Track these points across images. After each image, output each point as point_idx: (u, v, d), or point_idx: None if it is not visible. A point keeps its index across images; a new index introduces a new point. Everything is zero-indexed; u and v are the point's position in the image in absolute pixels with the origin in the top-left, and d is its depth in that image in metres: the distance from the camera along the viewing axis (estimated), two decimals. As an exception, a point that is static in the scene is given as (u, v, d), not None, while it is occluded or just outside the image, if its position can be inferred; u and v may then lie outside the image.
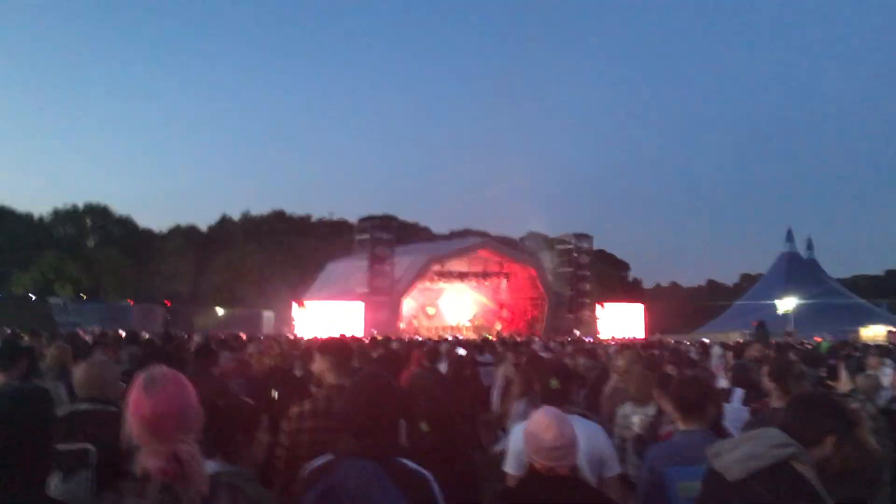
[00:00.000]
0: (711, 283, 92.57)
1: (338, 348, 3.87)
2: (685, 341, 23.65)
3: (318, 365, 3.92)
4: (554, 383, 4.03)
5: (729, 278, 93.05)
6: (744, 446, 2.48)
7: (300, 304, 35.22)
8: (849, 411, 2.84)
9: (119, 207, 74.89)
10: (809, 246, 56.10)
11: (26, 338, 17.54)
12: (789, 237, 55.86)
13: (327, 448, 3.09)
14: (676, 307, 60.04)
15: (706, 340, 25.34)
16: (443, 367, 9.48)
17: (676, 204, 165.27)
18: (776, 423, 3.06)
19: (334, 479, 2.46)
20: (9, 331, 20.84)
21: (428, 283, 39.50)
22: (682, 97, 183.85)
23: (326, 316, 33.16)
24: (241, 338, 16.86)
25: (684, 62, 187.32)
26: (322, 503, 2.44)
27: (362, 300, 34.26)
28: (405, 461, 2.54)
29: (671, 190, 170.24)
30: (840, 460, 2.65)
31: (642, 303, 43.87)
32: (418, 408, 4.17)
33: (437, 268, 38.45)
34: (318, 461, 2.61)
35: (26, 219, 63.16)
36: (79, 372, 3.46)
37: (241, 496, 2.12)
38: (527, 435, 2.90)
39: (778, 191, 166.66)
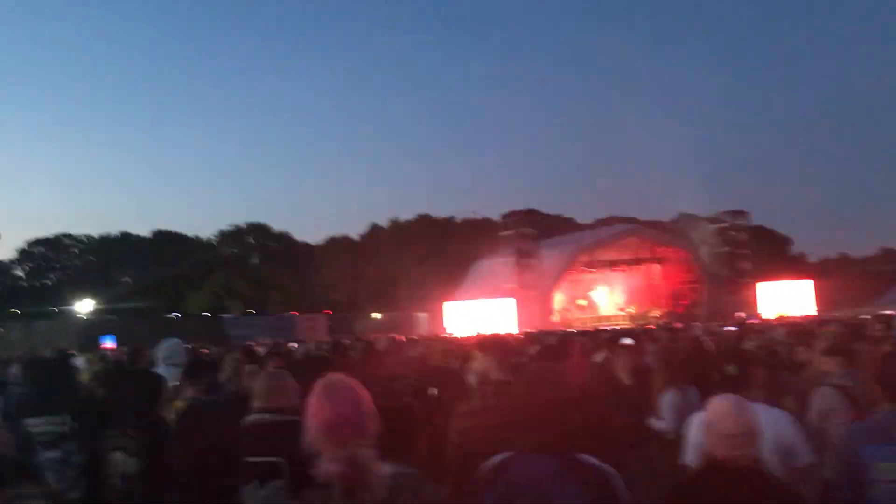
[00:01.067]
0: (885, 250, 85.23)
1: (498, 345, 3.87)
2: (865, 316, 21.94)
3: (480, 363, 3.93)
4: (731, 370, 3.84)
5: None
6: None
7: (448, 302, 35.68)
8: None
9: (277, 224, 79.27)
10: None
11: (206, 351, 18.93)
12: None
13: (503, 445, 3.12)
14: (848, 280, 55.84)
15: (889, 312, 23.39)
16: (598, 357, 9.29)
17: (838, 168, 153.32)
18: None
19: (512, 476, 2.42)
20: (189, 346, 22.57)
21: (577, 275, 39.01)
22: (845, 56, 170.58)
23: (478, 314, 33.47)
24: (397, 339, 17.34)
25: (839, 23, 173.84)
26: (502, 500, 2.41)
27: (512, 296, 34.30)
28: (585, 456, 2.45)
29: (830, 154, 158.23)
30: None
31: (810, 278, 41.10)
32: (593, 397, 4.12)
33: (585, 258, 37.88)
34: (496, 458, 2.58)
35: (195, 242, 68.27)
36: (259, 383, 3.63)
37: (419, 498, 2.14)
38: (705, 423, 2.78)
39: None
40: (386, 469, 2.22)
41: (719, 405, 2.79)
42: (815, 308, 36.49)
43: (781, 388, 6.06)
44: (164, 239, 65.64)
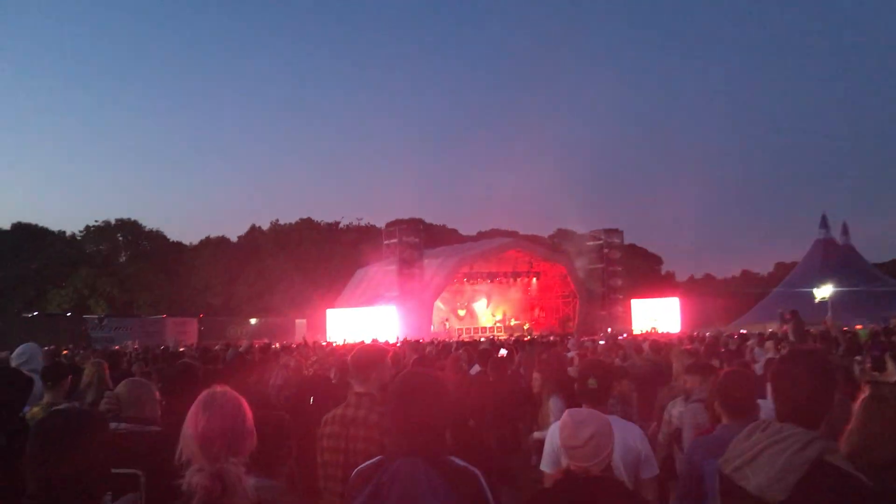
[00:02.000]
0: (746, 272, 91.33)
1: (360, 358, 3.85)
2: (723, 333, 23.35)
3: (348, 374, 3.93)
4: (592, 382, 3.96)
5: (764, 267, 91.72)
6: (767, 457, 2.34)
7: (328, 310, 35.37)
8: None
9: (149, 222, 75.98)
10: (845, 231, 54.91)
11: (66, 352, 17.84)
12: (824, 223, 54.72)
13: (367, 453, 3.09)
14: (711, 299, 59.36)
15: (744, 331, 25.01)
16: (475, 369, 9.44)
17: (707, 195, 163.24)
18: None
19: (382, 478, 2.44)
20: (49, 348, 21.23)
21: (458, 285, 39.55)
22: (710, 86, 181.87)
23: (358, 322, 33.31)
24: (271, 347, 16.96)
25: (711, 49, 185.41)
26: (374, 503, 2.42)
27: (394, 303, 34.34)
28: (454, 458, 2.50)
29: (701, 181, 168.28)
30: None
31: (677, 296, 43.40)
32: (467, 408, 4.16)
33: (466, 269, 38.48)
34: (366, 463, 2.60)
35: (59, 237, 64.27)
36: (120, 392, 3.45)
37: None
38: (560, 433, 2.89)
39: (811, 177, 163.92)
40: (250, 483, 2.17)
41: (567, 418, 2.89)
42: (681, 324, 38.52)
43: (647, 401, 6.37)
44: (25, 232, 61.21)
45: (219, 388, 2.22)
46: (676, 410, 5.36)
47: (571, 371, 8.24)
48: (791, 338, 12.06)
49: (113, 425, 3.19)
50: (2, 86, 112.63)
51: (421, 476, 2.39)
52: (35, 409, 4.95)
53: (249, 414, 2.22)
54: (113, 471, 2.98)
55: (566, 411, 3.03)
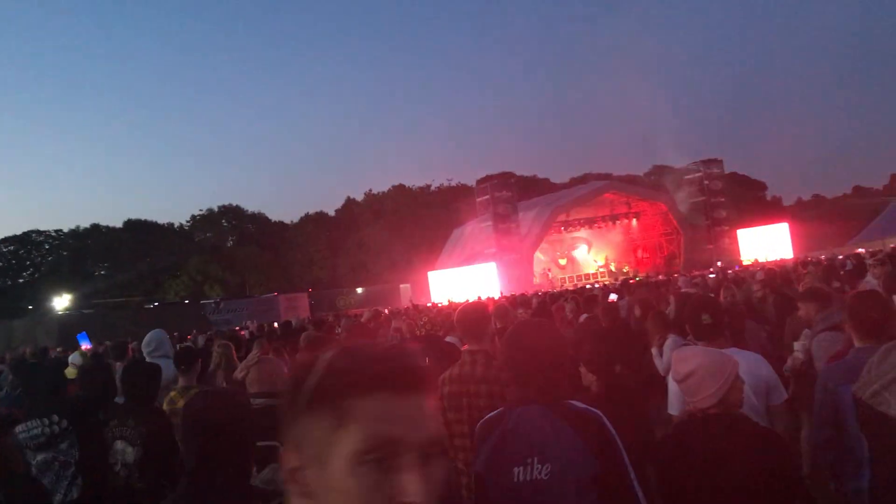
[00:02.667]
0: (858, 189, 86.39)
1: (465, 317, 3.90)
2: (839, 255, 22.27)
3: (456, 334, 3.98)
4: (706, 318, 3.89)
5: (878, 180, 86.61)
6: None
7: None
8: None
9: (250, 205, 78.69)
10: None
11: (189, 338, 18.86)
12: (942, 127, 50.98)
13: (487, 407, 3.16)
14: (823, 220, 56.54)
15: (861, 251, 23.75)
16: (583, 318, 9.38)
17: (807, 109, 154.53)
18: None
19: (506, 426, 2.50)
20: (174, 333, 22.47)
21: (556, 235, 39.18)
22: (804, 4, 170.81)
23: (461, 281, 33.57)
24: (382, 313, 17.36)
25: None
26: (497, 451, 2.48)
27: (493, 260, 34.39)
28: (574, 402, 2.52)
29: (800, 94, 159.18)
30: None
31: (785, 221, 41.54)
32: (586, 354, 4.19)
33: (562, 217, 38.02)
34: (489, 415, 2.66)
35: (169, 229, 67.47)
36: (251, 372, 3.64)
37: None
38: (672, 375, 2.85)
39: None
40: None
41: (677, 354, 2.87)
42: (793, 251, 36.93)
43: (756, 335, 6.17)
44: (136, 228, 64.72)
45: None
46: (800, 344, 5.19)
47: (670, 311, 8.10)
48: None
49: (251, 401, 3.40)
50: (95, 91, 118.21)
51: (544, 421, 2.44)
52: (173, 393, 5.26)
53: None
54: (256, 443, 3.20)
55: (679, 350, 3.00)
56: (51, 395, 4.48)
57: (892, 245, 26.23)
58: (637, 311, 7.98)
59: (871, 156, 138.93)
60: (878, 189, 79.40)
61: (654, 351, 6.49)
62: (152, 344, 6.32)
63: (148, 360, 5.95)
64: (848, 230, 52.44)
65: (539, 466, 2.39)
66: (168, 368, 5.60)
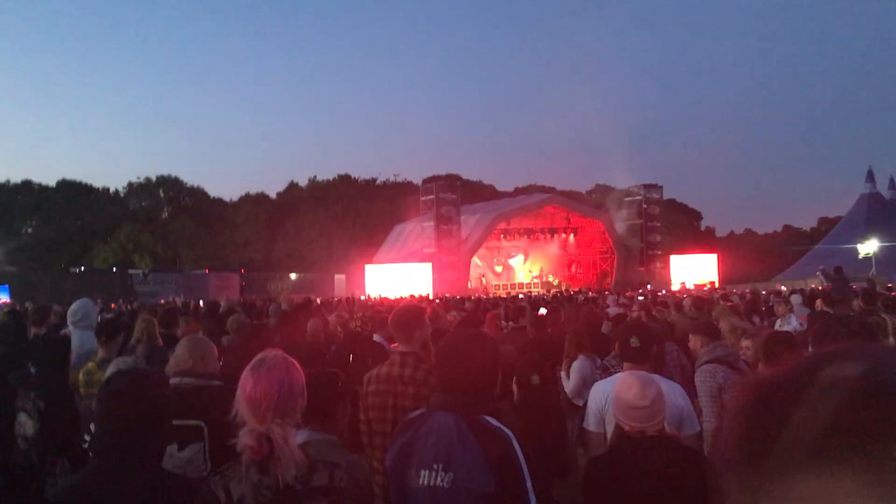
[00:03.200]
0: (788, 228, 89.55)
1: (400, 318, 3.94)
2: (761, 290, 23.09)
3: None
4: (634, 342, 4.01)
5: (806, 222, 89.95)
6: None
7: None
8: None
9: (190, 178, 76.93)
10: (892, 185, 53.36)
11: (113, 306, 18.36)
12: (870, 177, 53.19)
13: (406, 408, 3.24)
14: (752, 255, 58.49)
15: (783, 288, 24.70)
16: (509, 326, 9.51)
17: (748, 148, 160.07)
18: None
19: (418, 430, 2.55)
20: (97, 301, 21.86)
21: (495, 242, 39.51)
22: (751, 39, 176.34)
23: (396, 278, 33.55)
24: (312, 302, 17.23)
25: (751, 3, 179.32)
26: (403, 453, 2.54)
27: (430, 261, 34.48)
28: (488, 418, 2.57)
29: (742, 134, 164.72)
30: None
31: (716, 252, 42.86)
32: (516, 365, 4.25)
33: (503, 225, 38.35)
34: (413, 413, 2.71)
35: (103, 193, 65.41)
36: (180, 347, 3.60)
37: (337, 471, 2.22)
38: (614, 397, 2.94)
39: (857, 129, 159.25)
40: (300, 435, 2.31)
41: (625, 379, 2.94)
42: (719, 281, 38.11)
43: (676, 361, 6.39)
44: (70, 188, 62.49)
45: (269, 353, 2.31)
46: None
47: (605, 329, 8.31)
48: (834, 295, 11.88)
49: (176, 380, 3.38)
50: (42, 45, 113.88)
51: (454, 431, 2.48)
52: (90, 365, 5.12)
53: (300, 375, 2.30)
54: (177, 423, 3.18)
55: (627, 372, 3.08)
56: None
57: (811, 286, 27.32)
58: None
59: (803, 198, 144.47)
60: (806, 230, 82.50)
61: (562, 374, 6.60)
62: (78, 314, 6.14)
63: (72, 329, 5.81)
64: (774, 266, 54.45)
65: (442, 474, 2.43)
66: (90, 340, 5.48)
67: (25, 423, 3.93)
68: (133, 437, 2.25)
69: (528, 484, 2.46)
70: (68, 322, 6.17)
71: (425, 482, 2.46)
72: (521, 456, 2.49)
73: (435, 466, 2.45)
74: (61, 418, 3.90)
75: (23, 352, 4.43)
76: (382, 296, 26.80)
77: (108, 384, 2.41)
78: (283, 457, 2.09)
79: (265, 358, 2.25)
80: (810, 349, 4.96)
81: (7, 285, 21.61)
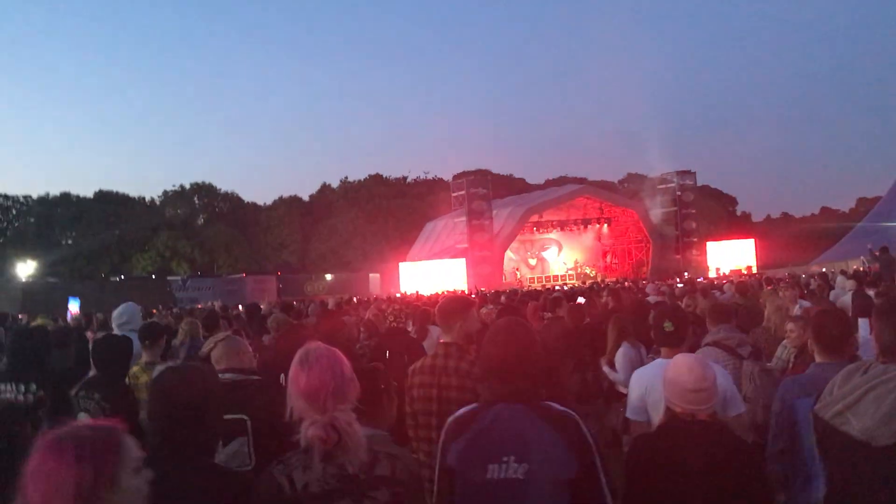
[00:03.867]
0: (825, 210, 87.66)
1: (445, 308, 3.93)
2: (801, 273, 22.68)
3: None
4: (668, 326, 3.97)
5: (845, 204, 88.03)
6: (872, 400, 2.23)
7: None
8: None
9: (224, 184, 77.88)
10: (933, 162, 52.10)
11: (154, 312, 18.68)
12: (910, 155, 51.98)
13: (458, 401, 3.19)
14: (789, 239, 57.42)
15: (823, 270, 24.20)
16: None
17: (782, 129, 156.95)
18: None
19: (483, 423, 2.49)
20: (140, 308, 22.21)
21: (528, 235, 39.34)
22: (783, 18, 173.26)
23: (430, 274, 33.60)
24: (351, 300, 17.35)
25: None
26: (473, 447, 2.47)
27: (464, 256, 34.46)
28: (552, 403, 2.54)
29: (775, 115, 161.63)
30: None
31: (752, 237, 42.18)
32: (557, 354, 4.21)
33: (535, 218, 38.19)
34: (462, 410, 2.64)
35: (140, 203, 66.44)
36: (216, 348, 3.65)
37: (398, 463, 2.21)
38: (667, 379, 2.89)
39: (893, 108, 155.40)
40: (363, 432, 2.27)
41: (681, 362, 2.90)
42: (757, 267, 37.52)
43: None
44: (107, 199, 63.49)
45: (311, 345, 2.30)
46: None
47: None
48: (882, 273, 11.64)
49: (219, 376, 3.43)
50: (76, 60, 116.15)
51: (524, 420, 2.44)
52: (135, 368, 5.19)
53: (347, 363, 2.29)
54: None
55: (682, 355, 3.04)
56: (33, 362, 4.43)
57: (854, 267, 26.75)
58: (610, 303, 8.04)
59: (840, 179, 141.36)
60: (845, 212, 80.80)
61: (605, 368, 6.50)
62: (124, 316, 6.26)
63: (118, 332, 5.91)
64: (812, 250, 53.44)
65: (516, 466, 2.38)
66: (134, 343, 5.57)
67: None
68: (185, 431, 2.28)
69: (600, 464, 2.45)
70: (113, 325, 6.28)
71: (495, 476, 2.39)
72: (591, 437, 2.48)
73: (505, 459, 2.39)
74: (126, 420, 3.95)
75: (90, 352, 4.47)
76: (418, 293, 26.87)
77: (159, 380, 2.44)
78: (352, 443, 2.09)
79: (309, 350, 2.25)
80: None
81: (77, 297, 22.56)
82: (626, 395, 5.68)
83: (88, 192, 64.43)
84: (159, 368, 4.41)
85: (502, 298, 13.01)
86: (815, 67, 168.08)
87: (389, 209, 64.10)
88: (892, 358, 2.35)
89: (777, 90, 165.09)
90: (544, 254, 41.58)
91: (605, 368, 6.48)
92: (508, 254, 37.85)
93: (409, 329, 7.87)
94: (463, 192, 35.69)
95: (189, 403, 2.30)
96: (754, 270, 35.01)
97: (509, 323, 2.81)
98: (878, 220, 45.71)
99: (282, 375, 2.96)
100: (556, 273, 39.66)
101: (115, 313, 6.35)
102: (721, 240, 41.87)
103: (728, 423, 3.65)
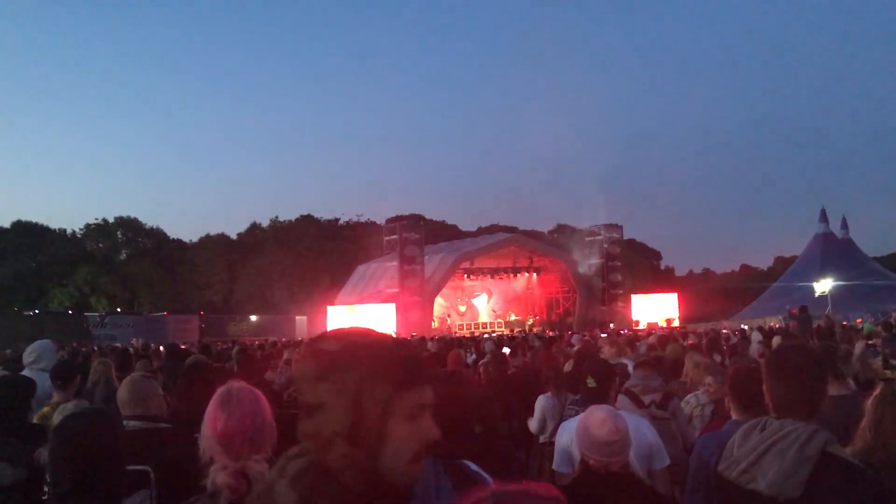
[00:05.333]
0: (745, 267, 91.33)
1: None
2: (723, 329, 23.38)
3: None
4: (590, 382, 3.99)
5: (763, 262, 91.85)
6: (774, 455, 2.32)
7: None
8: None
9: (149, 219, 75.92)
10: (844, 225, 54.83)
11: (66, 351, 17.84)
12: (823, 217, 54.62)
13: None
14: (711, 294, 59.37)
15: (744, 327, 25.06)
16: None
17: (706, 189, 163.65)
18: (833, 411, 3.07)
19: None
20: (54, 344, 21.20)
21: (458, 281, 39.51)
22: (710, 82, 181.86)
23: (359, 319, 33.28)
24: (276, 344, 16.97)
25: (711, 46, 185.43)
26: None
27: (393, 301, 34.32)
28: (468, 463, 2.49)
29: (700, 176, 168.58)
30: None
31: (676, 291, 43.38)
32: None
33: (466, 265, 38.42)
34: None
35: (60, 235, 64.14)
36: (122, 390, 3.47)
37: None
38: (580, 431, 2.89)
39: (810, 171, 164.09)
40: None
41: (595, 414, 2.90)
42: (679, 320, 38.54)
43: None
44: (25, 230, 61.05)
45: (235, 385, 2.20)
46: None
47: (567, 367, 8.28)
48: (797, 333, 12.08)
49: (124, 423, 3.25)
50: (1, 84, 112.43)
51: (431, 475, 2.41)
52: (45, 409, 4.94)
53: (268, 408, 2.20)
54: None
55: (595, 407, 3.04)
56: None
57: (770, 324, 27.78)
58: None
59: (759, 237, 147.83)
60: (763, 269, 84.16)
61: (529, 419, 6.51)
62: (33, 355, 6.00)
63: (27, 371, 5.62)
64: (733, 305, 55.33)
65: None
66: (45, 382, 5.30)
67: (3, 472, 3.69)
68: (89, 480, 2.13)
69: None
70: (24, 364, 5.98)
71: None
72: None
73: None
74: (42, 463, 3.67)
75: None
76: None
77: (60, 427, 2.30)
78: None
79: (231, 390, 2.14)
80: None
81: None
82: (543, 445, 5.70)
83: (6, 223, 61.94)
84: (68, 407, 4.18)
85: (429, 345, 12.92)
86: (736, 130, 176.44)
87: (320, 251, 63.57)
88: (786, 413, 2.43)
89: (701, 150, 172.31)
90: (474, 301, 41.78)
91: (529, 420, 6.48)
92: (438, 300, 37.88)
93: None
94: (395, 237, 35.70)
95: (90, 450, 2.16)
96: (676, 324, 35.95)
97: (439, 378, 2.77)
98: (794, 280, 47.80)
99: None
100: (484, 321, 39.87)
101: (26, 351, 6.09)
102: (646, 293, 42.94)
103: (653, 475, 3.68)
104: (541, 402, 6.24)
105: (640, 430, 3.77)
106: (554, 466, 4.06)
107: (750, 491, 2.38)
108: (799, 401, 2.43)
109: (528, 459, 6.76)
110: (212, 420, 2.07)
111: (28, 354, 6.03)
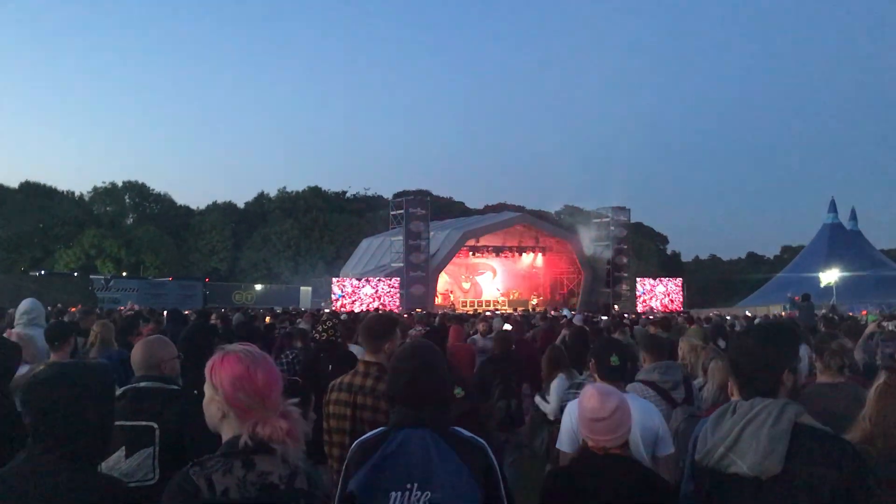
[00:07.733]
0: (751, 255, 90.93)
1: (369, 326, 3.87)
2: (726, 315, 23.35)
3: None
4: (614, 360, 3.97)
5: (769, 251, 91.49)
6: (749, 435, 2.35)
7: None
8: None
9: (156, 185, 75.90)
10: (853, 216, 54.42)
11: (73, 310, 17.91)
12: (832, 208, 54.21)
13: (373, 422, 3.16)
14: (716, 281, 59.28)
15: (748, 313, 25.02)
16: (482, 342, 9.48)
17: (716, 176, 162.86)
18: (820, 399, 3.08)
19: (389, 448, 2.44)
20: (59, 305, 21.34)
21: (463, 258, 39.50)
22: (720, 67, 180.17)
23: (363, 292, 33.37)
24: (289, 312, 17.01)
25: (722, 32, 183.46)
26: (376, 473, 2.42)
27: (398, 275, 34.36)
28: (460, 429, 2.51)
29: (710, 161, 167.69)
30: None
31: (681, 276, 43.29)
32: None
33: (472, 242, 38.38)
34: (369, 434, 2.59)
35: (67, 197, 64.17)
36: (135, 351, 3.46)
37: (313, 478, 2.13)
38: (578, 409, 2.89)
39: (820, 160, 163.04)
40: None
41: (592, 390, 2.89)
42: (683, 305, 38.51)
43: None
44: (33, 191, 61.20)
45: (246, 345, 2.21)
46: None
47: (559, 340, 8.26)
48: (798, 321, 12.05)
49: (134, 383, 3.27)
50: (9, 43, 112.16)
51: (430, 446, 2.41)
52: (41, 368, 4.95)
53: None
54: (128, 423, 3.04)
55: (590, 385, 3.03)
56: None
57: (774, 312, 27.74)
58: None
59: (767, 227, 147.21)
60: (770, 258, 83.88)
61: (537, 398, 6.50)
62: (30, 314, 6.01)
63: (23, 329, 5.63)
64: (737, 292, 55.21)
65: (418, 493, 2.34)
66: (41, 339, 5.32)
67: None
68: (59, 431, 2.12)
69: (505, 493, 2.44)
70: (16, 321, 6.03)
71: None
72: (496, 464, 2.47)
73: (409, 486, 2.35)
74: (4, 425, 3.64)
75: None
76: (348, 309, 26.58)
77: (37, 376, 2.27)
78: (293, 447, 2.04)
79: (249, 349, 2.16)
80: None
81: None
82: (553, 422, 5.69)
83: (13, 183, 62.00)
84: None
85: (436, 321, 12.93)
86: (747, 117, 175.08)
87: (326, 222, 63.50)
88: (751, 392, 2.47)
89: (712, 136, 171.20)
90: (478, 278, 41.80)
91: (537, 398, 6.47)
92: (443, 276, 37.90)
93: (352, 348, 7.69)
94: (402, 212, 35.64)
95: (53, 397, 2.14)
96: (681, 309, 35.89)
97: (417, 345, 2.76)
98: (800, 270, 47.60)
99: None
100: (489, 298, 39.91)
101: (20, 310, 6.15)
102: (651, 277, 42.86)
103: (657, 462, 3.64)
104: (556, 385, 6.22)
105: (649, 414, 3.75)
106: (557, 445, 4.06)
107: (732, 475, 2.40)
108: (761, 378, 2.47)
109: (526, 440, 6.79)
110: (248, 378, 2.06)
111: (22, 314, 6.07)
